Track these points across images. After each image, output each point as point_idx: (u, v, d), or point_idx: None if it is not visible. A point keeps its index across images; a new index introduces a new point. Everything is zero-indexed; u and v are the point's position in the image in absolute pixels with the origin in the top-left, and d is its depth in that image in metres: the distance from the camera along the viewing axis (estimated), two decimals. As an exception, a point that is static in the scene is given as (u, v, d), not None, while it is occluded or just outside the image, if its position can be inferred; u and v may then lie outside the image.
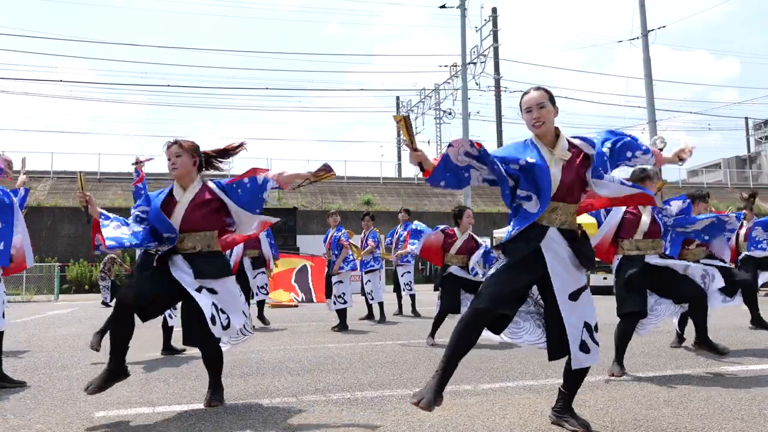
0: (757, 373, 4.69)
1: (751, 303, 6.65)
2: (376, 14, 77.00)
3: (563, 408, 3.20)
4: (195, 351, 6.29)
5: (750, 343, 6.35)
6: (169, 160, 3.84)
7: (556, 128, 3.22)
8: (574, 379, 3.17)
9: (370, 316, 9.33)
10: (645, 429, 3.20)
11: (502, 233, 22.50)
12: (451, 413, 3.56)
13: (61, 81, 52.86)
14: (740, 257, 8.01)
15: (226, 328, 3.63)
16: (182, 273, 3.61)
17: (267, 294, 8.84)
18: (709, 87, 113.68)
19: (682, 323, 6.24)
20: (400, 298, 10.35)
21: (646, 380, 4.46)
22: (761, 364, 5.12)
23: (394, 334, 7.55)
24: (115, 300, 4.18)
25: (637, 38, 23.38)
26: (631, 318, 4.81)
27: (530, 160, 3.08)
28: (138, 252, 5.07)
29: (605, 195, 3.27)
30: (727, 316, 8.84)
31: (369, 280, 9.15)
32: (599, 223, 5.10)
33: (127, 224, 3.78)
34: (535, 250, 3.04)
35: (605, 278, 16.10)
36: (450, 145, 2.96)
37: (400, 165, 40.62)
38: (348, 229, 8.52)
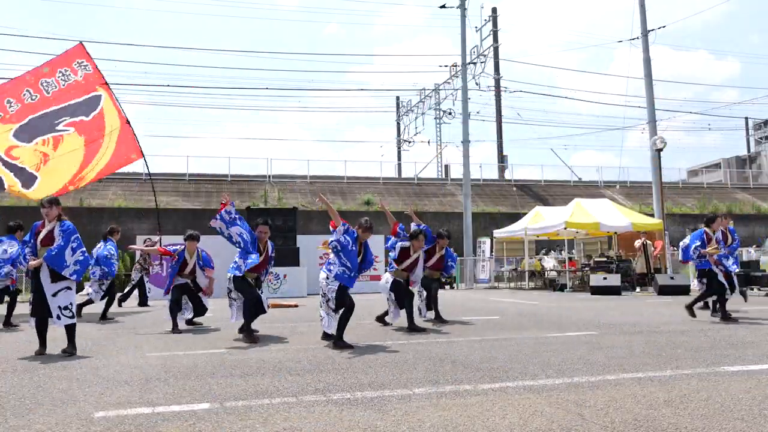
0: (757, 373, 4.69)
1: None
2: (376, 14, 76.96)
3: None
4: (194, 351, 6.30)
5: (750, 343, 6.36)
6: None
7: None
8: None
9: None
10: (645, 429, 3.20)
11: (502, 233, 22.51)
12: (451, 413, 3.56)
13: (61, 81, 52.74)
14: None
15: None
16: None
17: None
18: (709, 87, 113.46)
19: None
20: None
21: (646, 380, 4.46)
22: (761, 364, 5.12)
23: (394, 335, 7.56)
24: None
25: (637, 38, 23.37)
26: None
27: None
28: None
29: None
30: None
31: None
32: None
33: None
34: None
35: (605, 278, 16.11)
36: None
37: (400, 165, 40.69)
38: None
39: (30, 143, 8.93)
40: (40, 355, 6.12)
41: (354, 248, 6.54)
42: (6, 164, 8.82)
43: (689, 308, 8.98)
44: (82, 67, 9.44)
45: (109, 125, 8.79)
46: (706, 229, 9.10)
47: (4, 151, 8.86)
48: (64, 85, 9.19)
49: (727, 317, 8.58)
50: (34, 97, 9.09)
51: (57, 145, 8.96)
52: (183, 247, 8.75)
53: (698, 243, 9.04)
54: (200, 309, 8.79)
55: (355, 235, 6.61)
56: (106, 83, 9.52)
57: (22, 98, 9.07)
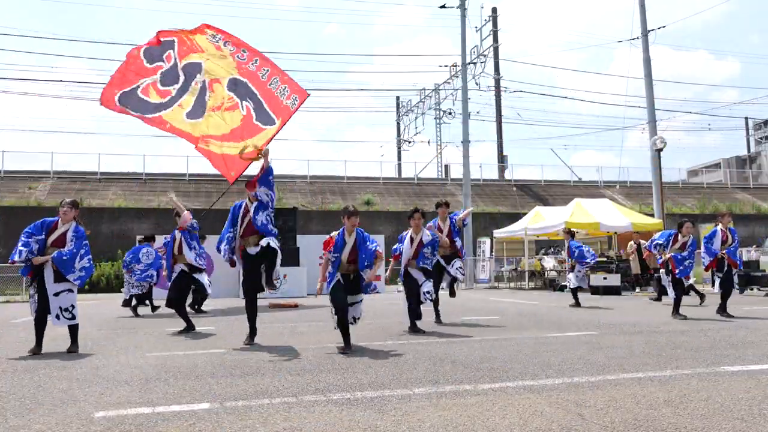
0: (757, 373, 4.69)
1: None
2: (376, 14, 76.89)
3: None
4: (194, 351, 6.30)
5: (750, 343, 6.36)
6: None
7: None
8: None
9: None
10: (645, 429, 3.20)
11: (502, 233, 22.52)
12: (451, 413, 3.56)
13: (61, 81, 52.98)
14: None
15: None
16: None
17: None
18: (709, 87, 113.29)
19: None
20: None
21: (646, 380, 4.46)
22: (761, 364, 5.13)
23: (394, 334, 7.56)
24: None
25: (637, 38, 23.37)
26: None
27: None
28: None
29: None
30: (730, 316, 8.84)
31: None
32: None
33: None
34: None
35: (605, 278, 16.11)
36: None
37: (400, 165, 40.67)
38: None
39: (226, 91, 9.42)
40: (35, 354, 6.11)
41: (338, 256, 6.38)
42: (200, 91, 9.22)
43: (675, 314, 9.05)
44: (292, 101, 9.58)
45: (256, 140, 9.00)
46: (677, 232, 9.41)
47: (210, 81, 9.30)
48: (271, 88, 9.53)
49: (680, 315, 8.99)
50: (263, 75, 9.47)
51: (234, 108, 9.34)
52: (171, 236, 9.21)
53: (662, 241, 9.49)
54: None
55: (341, 247, 6.37)
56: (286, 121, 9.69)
57: (249, 60, 9.54)
